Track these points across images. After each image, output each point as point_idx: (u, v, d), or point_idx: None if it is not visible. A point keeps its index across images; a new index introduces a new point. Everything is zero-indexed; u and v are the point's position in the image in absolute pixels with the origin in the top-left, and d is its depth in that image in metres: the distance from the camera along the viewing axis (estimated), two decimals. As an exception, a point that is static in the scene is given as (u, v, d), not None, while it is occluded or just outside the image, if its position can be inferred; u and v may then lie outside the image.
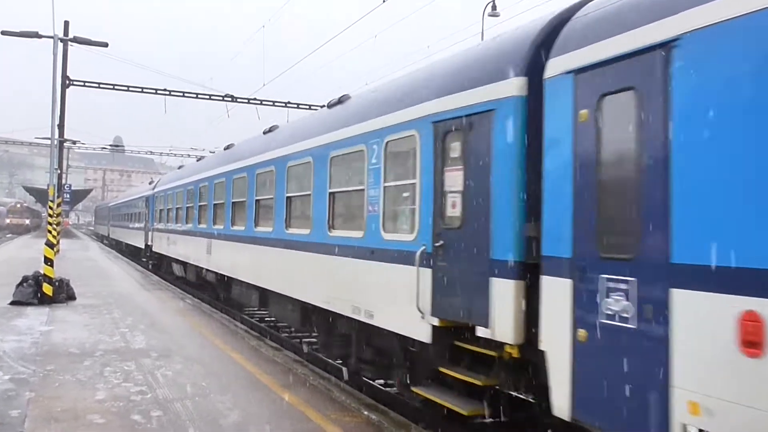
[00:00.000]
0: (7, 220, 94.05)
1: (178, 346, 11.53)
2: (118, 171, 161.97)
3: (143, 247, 32.43)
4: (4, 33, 23.02)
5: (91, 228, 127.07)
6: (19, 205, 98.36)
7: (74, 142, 48.91)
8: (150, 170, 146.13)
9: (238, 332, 13.45)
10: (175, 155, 72.47)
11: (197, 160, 23.22)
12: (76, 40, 28.06)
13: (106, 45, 27.19)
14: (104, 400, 7.87)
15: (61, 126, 33.48)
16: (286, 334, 15.28)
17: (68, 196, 44.11)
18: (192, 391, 8.43)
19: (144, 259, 32.71)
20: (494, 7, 29.42)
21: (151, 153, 77.22)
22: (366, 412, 7.85)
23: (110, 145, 77.67)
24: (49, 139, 27.41)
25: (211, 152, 41.29)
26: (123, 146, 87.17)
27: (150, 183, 33.92)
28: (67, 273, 19.55)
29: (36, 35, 22.53)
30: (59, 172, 33.78)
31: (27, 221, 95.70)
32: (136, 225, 36.47)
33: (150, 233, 29.96)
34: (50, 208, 21.59)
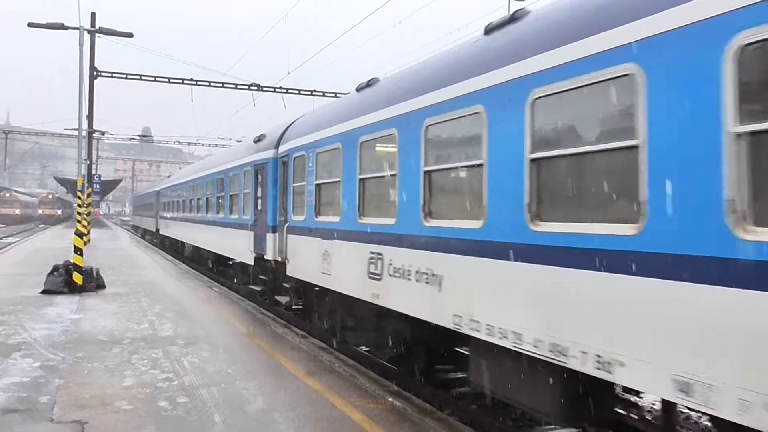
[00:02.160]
0: (40, 211, 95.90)
1: (205, 333, 11.62)
2: (147, 161, 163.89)
3: (250, 261, 16.85)
4: (30, 25, 23.31)
5: (123, 218, 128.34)
6: (50, 196, 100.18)
7: (103, 133, 49.40)
8: (178, 160, 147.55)
9: (265, 320, 13.51)
10: (203, 144, 73.05)
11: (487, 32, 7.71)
12: (101, 30, 28.40)
13: (131, 35, 27.44)
14: (131, 387, 7.95)
15: (89, 117, 33.95)
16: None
17: (98, 186, 44.60)
18: (218, 378, 8.48)
19: (262, 295, 16.57)
20: (519, -9, 29.10)
21: (179, 143, 77.81)
22: (390, 399, 7.83)
23: (139, 136, 78.42)
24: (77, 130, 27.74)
25: (238, 141, 41.42)
26: (151, 136, 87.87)
27: (257, 141, 17.49)
28: (97, 262, 19.83)
29: (62, 27, 22.76)
30: (89, 162, 34.26)
31: (59, 212, 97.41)
32: (226, 218, 20.37)
33: (289, 237, 13.47)
34: (79, 198, 21.88)
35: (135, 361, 9.33)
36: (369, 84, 10.76)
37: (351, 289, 10.22)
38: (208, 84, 36.27)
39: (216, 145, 63.93)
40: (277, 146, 15.15)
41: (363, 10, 41.76)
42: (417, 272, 7.99)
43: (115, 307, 14.38)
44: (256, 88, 36.67)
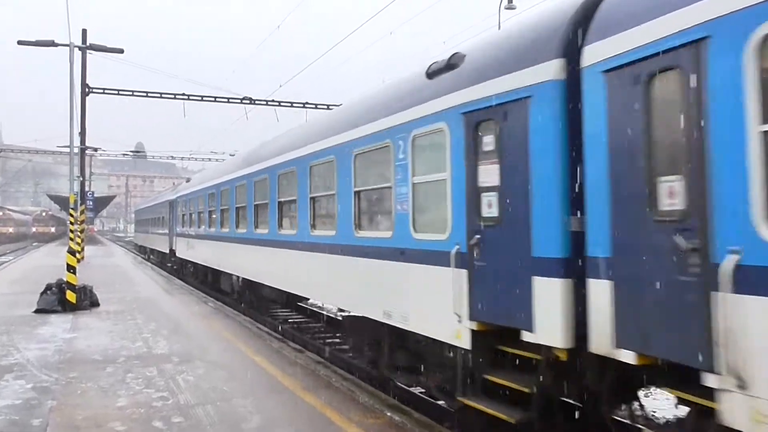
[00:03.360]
0: (33, 229, 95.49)
1: (201, 350, 11.49)
2: (141, 177, 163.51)
3: (454, 341, 7.47)
4: (20, 43, 23.20)
5: (118, 234, 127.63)
6: (44, 214, 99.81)
7: (95, 150, 49.19)
8: (172, 175, 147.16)
9: (261, 335, 13.39)
10: (196, 159, 72.84)
11: None
12: (92, 47, 28.32)
13: (121, 51, 27.40)
14: (126, 407, 7.82)
15: (82, 133, 33.80)
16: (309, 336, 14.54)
17: (91, 203, 44.41)
18: (214, 396, 8.36)
19: None
20: (510, 0, 29.21)
21: (173, 158, 77.76)
22: (389, 413, 7.72)
23: (132, 151, 78.26)
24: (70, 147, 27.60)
25: (231, 155, 41.24)
26: (144, 152, 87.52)
27: (441, 69, 7.99)
28: (91, 279, 19.66)
29: (52, 44, 22.70)
30: (82, 179, 34.10)
31: (52, 229, 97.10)
32: (344, 235, 10.43)
33: None
34: (72, 215, 21.75)
35: (129, 380, 9.20)
36: None
37: None
38: (200, 98, 36.19)
39: (210, 159, 63.82)
40: (573, 47, 5.99)
41: (355, 21, 42.00)
42: None
43: (109, 325, 14.23)
44: (248, 101, 36.64)
